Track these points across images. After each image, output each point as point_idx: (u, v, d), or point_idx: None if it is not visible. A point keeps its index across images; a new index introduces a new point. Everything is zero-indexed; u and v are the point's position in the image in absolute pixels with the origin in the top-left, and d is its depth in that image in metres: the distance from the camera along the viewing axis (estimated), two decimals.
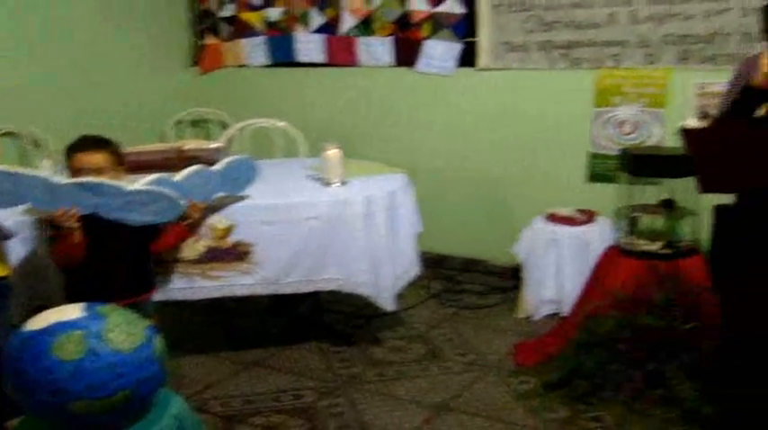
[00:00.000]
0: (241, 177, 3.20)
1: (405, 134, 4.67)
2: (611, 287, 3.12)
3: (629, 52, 3.93)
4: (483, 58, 4.30)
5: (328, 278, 3.36)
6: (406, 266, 3.59)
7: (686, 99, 3.83)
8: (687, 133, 1.91)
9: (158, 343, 1.83)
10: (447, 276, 4.55)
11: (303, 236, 3.29)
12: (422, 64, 4.49)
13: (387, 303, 3.46)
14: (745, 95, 2.02)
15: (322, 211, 3.29)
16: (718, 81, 3.61)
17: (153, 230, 2.83)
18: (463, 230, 4.59)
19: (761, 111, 1.96)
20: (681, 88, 3.85)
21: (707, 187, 1.99)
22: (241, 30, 5.13)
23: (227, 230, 3.23)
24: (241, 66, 5.21)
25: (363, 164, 3.88)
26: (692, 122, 3.75)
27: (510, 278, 4.27)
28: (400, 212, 3.52)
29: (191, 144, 3.55)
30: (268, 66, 5.10)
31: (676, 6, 3.79)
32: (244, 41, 5.13)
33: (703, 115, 3.76)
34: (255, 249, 3.28)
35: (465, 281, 4.49)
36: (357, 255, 3.34)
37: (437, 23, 4.40)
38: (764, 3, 2.10)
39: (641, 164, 3.40)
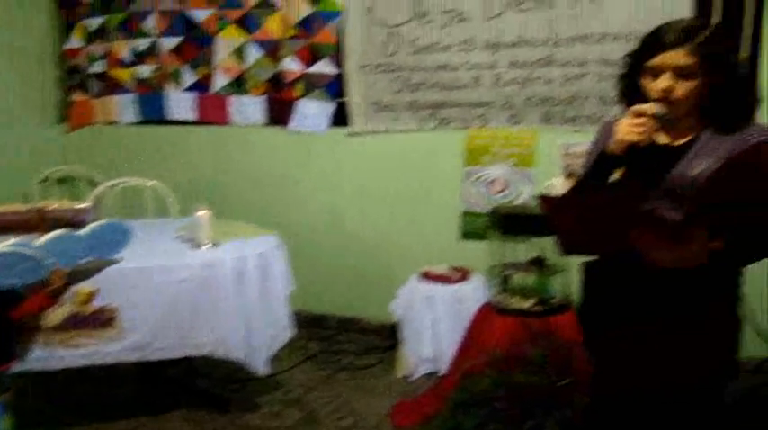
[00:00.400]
0: (111, 241, 3.01)
1: (279, 193, 4.59)
2: (486, 345, 3.11)
3: (495, 113, 4.01)
4: (354, 117, 4.29)
5: (199, 342, 3.21)
6: (280, 328, 3.50)
7: (553, 159, 3.93)
8: (543, 199, 1.93)
9: (5, 424, 1.65)
10: (324, 336, 4.45)
11: (172, 299, 3.14)
12: (295, 123, 4.44)
13: (260, 367, 3.34)
14: (600, 161, 2.05)
15: (191, 274, 3.15)
16: (582, 142, 3.73)
17: (13, 297, 2.61)
18: (340, 289, 4.53)
19: (616, 176, 1.99)
20: (547, 148, 3.95)
21: (566, 250, 2.03)
22: (111, 86, 4.95)
23: (91, 295, 3.04)
24: (111, 123, 5.01)
25: (235, 225, 3.77)
26: (559, 181, 3.87)
27: (388, 337, 4.22)
28: (272, 274, 3.43)
29: (55, 204, 3.34)
30: (139, 123, 4.92)
31: (537, 71, 3.90)
32: (114, 98, 4.95)
33: (569, 174, 3.85)
34: (121, 314, 3.10)
35: (342, 340, 4.40)
36: (228, 318, 3.21)
37: (310, 83, 4.37)
38: (619, 71, 2.15)
39: (510, 223, 3.44)
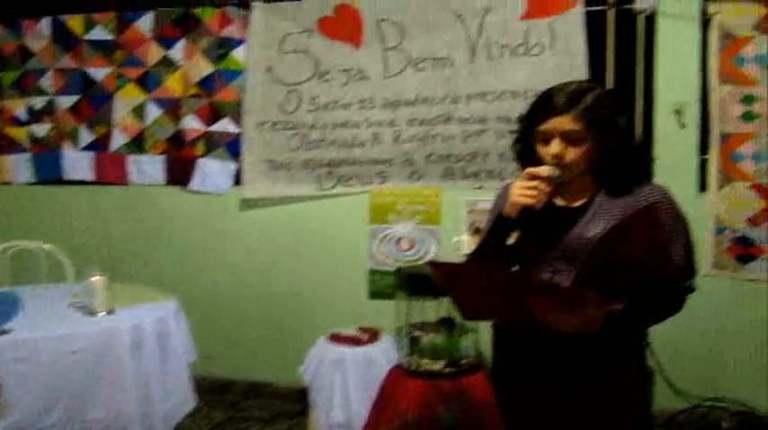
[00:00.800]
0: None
1: (180, 255, 4.41)
2: (398, 409, 3.03)
3: (395, 170, 4.00)
4: (250, 176, 4.18)
5: (92, 419, 2.97)
6: (181, 398, 3.28)
7: (458, 215, 3.93)
8: (432, 267, 1.89)
9: None
10: (230, 403, 4.24)
11: (63, 372, 2.90)
12: (196, 183, 4.30)
13: None
14: (497, 224, 2.04)
15: (85, 344, 2.92)
16: (487, 198, 3.72)
17: None
18: (246, 353, 4.35)
19: (512, 240, 1.99)
20: (452, 205, 3.95)
21: (466, 316, 2.04)
22: (5, 145, 4.69)
23: None
24: (4, 183, 4.74)
25: (132, 289, 3.58)
26: (465, 238, 3.89)
27: (298, 401, 4.06)
28: (172, 341, 3.23)
29: None
30: (33, 184, 4.67)
31: (436, 128, 3.91)
32: (8, 158, 4.69)
33: (476, 230, 3.86)
34: (6, 389, 2.85)
35: (250, 407, 4.20)
36: (125, 391, 2.98)
37: (212, 142, 4.25)
38: (514, 134, 2.14)
39: (416, 283, 3.40)
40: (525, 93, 3.73)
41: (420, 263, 3.94)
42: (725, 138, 3.55)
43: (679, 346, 3.39)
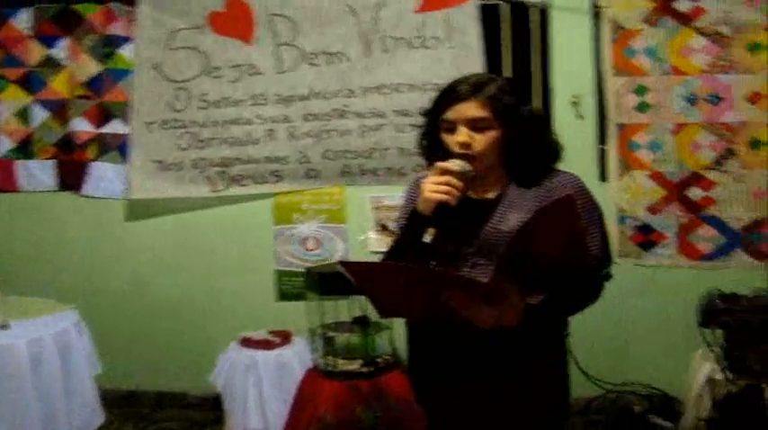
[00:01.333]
0: None
1: (76, 263, 4.32)
2: (316, 411, 3.08)
3: (291, 169, 4.02)
4: (137, 178, 4.11)
5: None
6: (88, 414, 3.26)
7: (364, 212, 4.01)
8: (344, 266, 1.90)
9: None
10: (140, 416, 4.19)
11: None
12: (89, 188, 4.21)
13: None
14: (411, 220, 2.03)
15: None
16: (392, 194, 3.88)
17: None
18: (153, 362, 4.30)
19: (427, 238, 1.95)
20: (357, 203, 4.02)
21: (383, 313, 2.04)
22: None
23: None
24: None
25: (28, 302, 3.50)
26: (373, 235, 3.98)
27: (211, 409, 4.06)
28: (74, 354, 3.20)
29: None
30: None
31: (332, 122, 3.96)
32: None
33: (383, 227, 3.95)
34: None
35: (161, 419, 4.17)
36: (25, 410, 2.93)
37: (103, 145, 4.18)
38: (419, 128, 2.20)
39: (327, 282, 3.46)
40: (423, 85, 3.82)
41: (328, 262, 3.99)
42: (621, 128, 3.76)
43: (588, 334, 3.49)
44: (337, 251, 4.05)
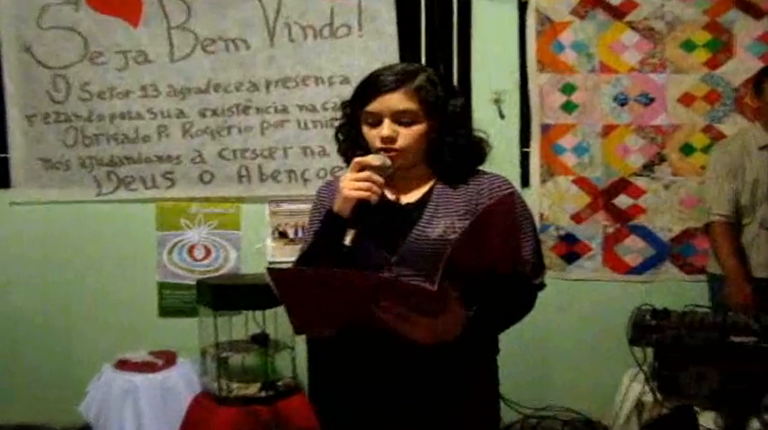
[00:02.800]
0: None
1: None
2: None
3: (184, 169, 4.04)
4: (17, 177, 4.09)
5: None
6: None
7: (260, 218, 4.03)
8: (270, 273, 1.90)
9: None
10: None
11: None
12: None
13: None
14: (327, 222, 2.05)
15: None
16: (292, 196, 3.95)
17: None
18: (13, 389, 4.19)
19: (347, 241, 1.96)
20: (253, 207, 4.04)
21: (300, 330, 2.04)
22: None
23: None
24: None
25: None
26: (270, 243, 4.01)
27: None
28: None
29: None
30: None
31: (232, 119, 3.99)
32: None
33: (280, 235, 4.00)
34: None
35: None
36: None
37: None
38: (336, 121, 2.26)
39: (222, 295, 3.48)
40: (330, 79, 3.90)
41: (219, 273, 4.02)
42: (546, 129, 3.92)
43: (506, 354, 3.62)
44: (229, 261, 4.06)
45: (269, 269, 1.84)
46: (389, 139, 2.01)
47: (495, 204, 1.94)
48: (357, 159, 2.01)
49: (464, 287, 1.88)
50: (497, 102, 3.92)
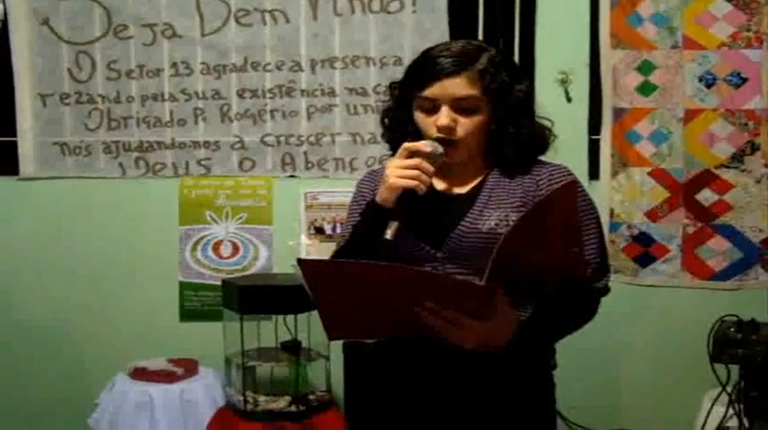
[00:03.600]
0: None
1: None
2: None
3: (222, 156, 4.02)
4: (26, 163, 4.07)
5: None
6: None
7: (294, 212, 3.99)
8: (302, 264, 1.85)
9: None
10: None
11: None
12: None
13: None
14: (368, 213, 2.04)
15: None
16: (331, 190, 3.93)
17: None
18: (15, 401, 4.15)
19: (389, 234, 1.95)
20: (287, 199, 4.00)
21: (333, 333, 1.99)
22: None
23: None
24: None
25: None
26: (305, 240, 3.97)
27: None
28: None
29: None
30: None
31: (275, 101, 3.96)
32: None
33: (318, 230, 3.96)
34: None
35: None
36: None
37: None
38: (380, 103, 2.21)
39: (249, 298, 3.44)
40: (383, 60, 3.87)
41: (247, 272, 3.98)
42: (619, 114, 3.79)
43: (569, 369, 3.53)
44: (259, 259, 4.02)
45: (300, 260, 1.81)
46: (447, 129, 2.00)
47: (555, 193, 1.91)
48: (406, 144, 2.00)
49: (517, 288, 1.88)
50: (564, 83, 3.81)
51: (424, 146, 1.98)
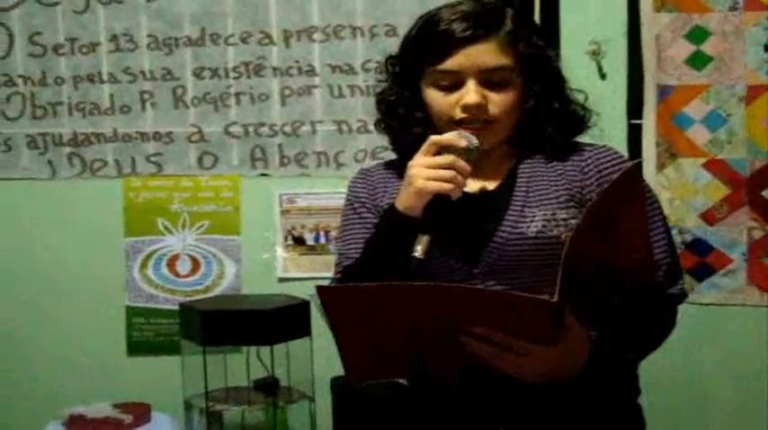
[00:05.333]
0: None
1: None
2: None
3: (177, 150, 3.97)
4: None
5: None
6: None
7: (268, 219, 3.96)
8: (321, 291, 1.79)
9: None
10: None
11: None
12: None
13: None
14: (388, 227, 1.99)
15: None
16: (311, 191, 3.90)
17: None
18: None
19: (419, 251, 1.87)
20: (259, 203, 3.97)
21: (357, 376, 1.96)
22: None
23: None
24: None
25: None
26: (281, 253, 3.97)
27: None
28: None
29: None
30: None
31: (241, 81, 3.92)
32: None
33: (297, 241, 3.94)
34: None
35: None
36: None
37: None
38: (371, 83, 2.17)
39: (214, 325, 3.43)
40: (372, 29, 3.86)
41: (211, 294, 3.95)
42: (665, 92, 3.76)
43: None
44: (225, 277, 4.00)
45: (319, 287, 1.74)
46: (478, 107, 1.96)
47: (620, 179, 1.84)
48: (434, 138, 1.94)
49: (580, 301, 1.82)
50: (596, 55, 3.78)
51: (458, 138, 1.92)
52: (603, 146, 2.09)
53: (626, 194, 1.82)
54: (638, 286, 1.92)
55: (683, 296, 2.08)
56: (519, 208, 1.99)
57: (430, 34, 2.01)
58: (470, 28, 1.95)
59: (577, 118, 2.09)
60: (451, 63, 1.95)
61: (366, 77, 3.84)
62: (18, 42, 3.97)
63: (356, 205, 2.17)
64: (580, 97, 2.12)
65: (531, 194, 2.01)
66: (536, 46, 1.99)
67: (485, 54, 1.94)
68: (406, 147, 2.10)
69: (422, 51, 2.02)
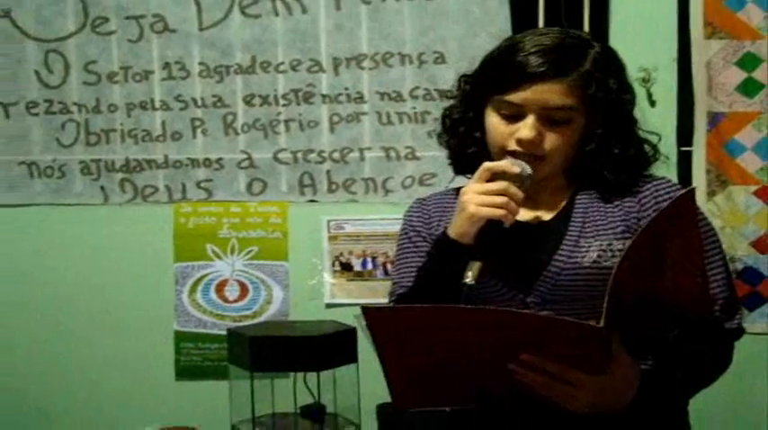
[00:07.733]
0: None
1: None
2: None
3: (226, 176, 3.98)
4: None
5: None
6: None
7: (316, 245, 3.96)
8: (367, 314, 1.78)
9: None
10: None
11: None
12: None
13: None
14: (439, 253, 2.00)
15: None
16: (359, 217, 3.90)
17: None
18: None
19: (470, 277, 1.89)
20: (307, 229, 3.97)
21: (403, 402, 1.97)
22: None
23: None
24: None
25: None
26: (329, 279, 3.97)
27: None
28: None
29: None
30: None
31: (290, 109, 3.93)
32: None
33: (344, 267, 3.94)
34: None
35: None
36: None
37: None
38: (447, 108, 2.21)
39: (262, 350, 3.40)
40: (421, 57, 3.81)
41: (258, 319, 3.96)
42: (716, 120, 3.73)
43: None
44: (273, 302, 3.99)
45: (364, 308, 1.75)
46: (531, 144, 1.98)
47: (673, 206, 1.85)
48: (487, 164, 1.97)
49: (631, 332, 1.83)
50: (646, 82, 3.74)
51: (511, 165, 1.95)
52: (663, 178, 2.10)
53: (678, 221, 1.81)
54: (693, 320, 1.92)
55: (740, 331, 2.07)
56: (575, 238, 2.01)
57: (506, 62, 2.02)
58: (545, 65, 1.96)
59: (642, 159, 2.10)
60: (516, 96, 1.97)
61: (414, 104, 3.84)
62: (73, 71, 3.99)
63: (411, 234, 2.21)
64: (653, 138, 2.13)
65: (587, 225, 2.03)
66: (608, 89, 1.99)
67: (551, 93, 1.95)
68: (460, 166, 2.17)
69: (493, 77, 2.04)
